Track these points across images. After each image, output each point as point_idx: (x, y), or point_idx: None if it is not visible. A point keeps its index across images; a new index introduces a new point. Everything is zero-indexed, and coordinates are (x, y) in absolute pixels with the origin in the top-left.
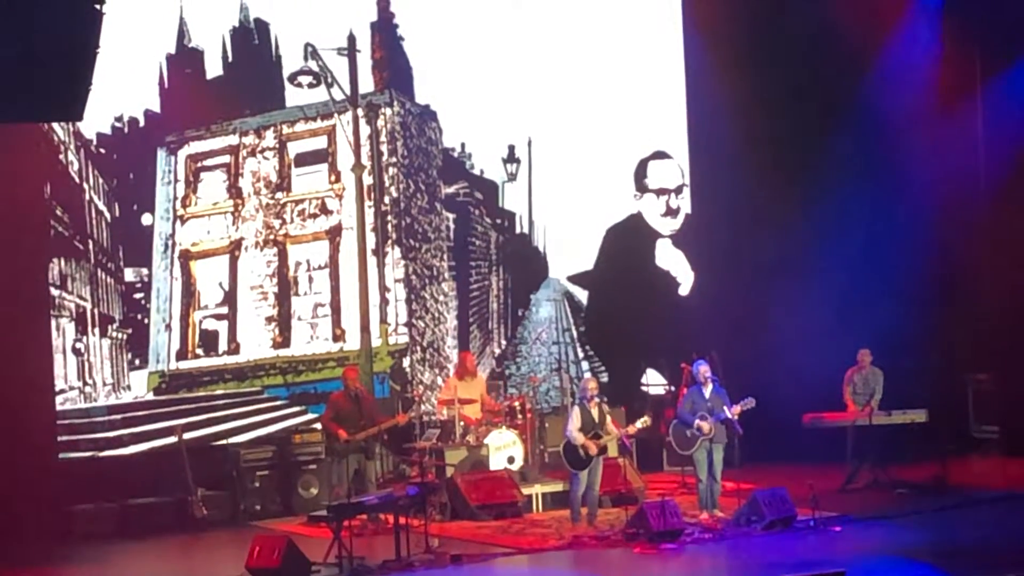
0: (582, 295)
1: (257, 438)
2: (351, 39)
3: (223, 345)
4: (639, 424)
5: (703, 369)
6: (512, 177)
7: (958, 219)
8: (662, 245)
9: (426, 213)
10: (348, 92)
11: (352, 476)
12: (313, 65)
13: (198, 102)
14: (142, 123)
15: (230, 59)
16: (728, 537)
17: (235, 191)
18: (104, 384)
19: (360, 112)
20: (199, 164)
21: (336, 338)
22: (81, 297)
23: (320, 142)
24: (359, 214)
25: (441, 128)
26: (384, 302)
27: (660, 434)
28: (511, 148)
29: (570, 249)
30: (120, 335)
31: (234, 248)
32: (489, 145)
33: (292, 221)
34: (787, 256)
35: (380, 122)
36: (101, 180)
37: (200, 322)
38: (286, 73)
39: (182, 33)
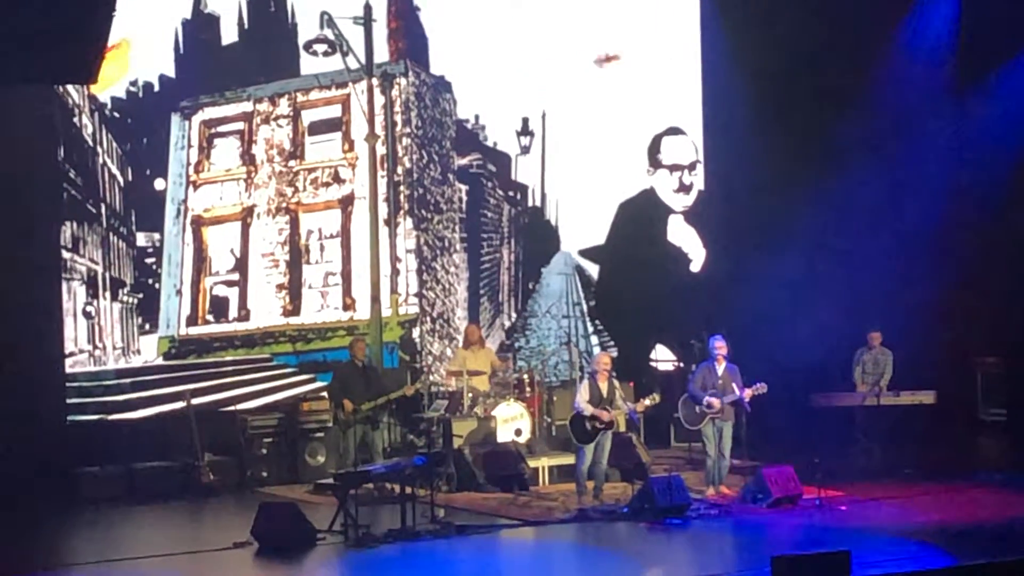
0: (593, 269)
1: (265, 405)
2: (367, 8)
3: (233, 312)
4: (647, 401)
5: (718, 344)
6: (525, 150)
7: (971, 201)
8: (674, 221)
9: (439, 184)
10: (363, 61)
11: (358, 446)
12: (329, 33)
13: (213, 68)
14: (157, 88)
15: (246, 26)
16: (734, 514)
17: (248, 158)
18: (114, 348)
19: (375, 82)
20: (213, 130)
21: (346, 307)
22: (92, 260)
23: (334, 111)
24: (372, 184)
25: (455, 99)
26: (395, 272)
27: (669, 412)
28: (525, 121)
29: (582, 223)
30: (131, 299)
31: (246, 215)
32: (503, 117)
33: (304, 189)
34: (799, 234)
35: (394, 92)
36: (115, 144)
37: (211, 288)
38: (301, 41)
39: None
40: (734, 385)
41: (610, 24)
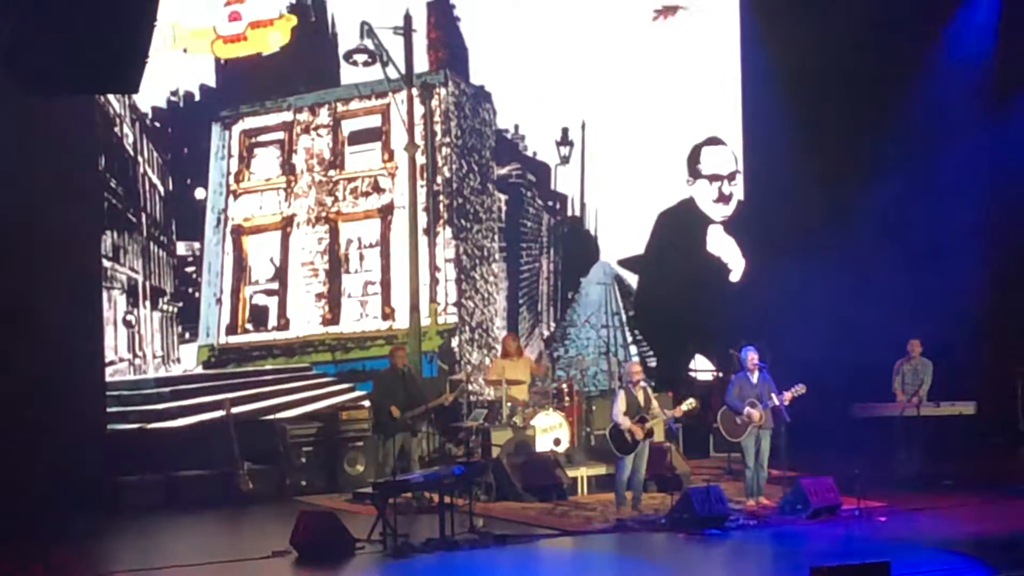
0: (632, 279)
1: (304, 414)
2: (407, 18)
3: (273, 320)
4: (685, 407)
5: (751, 355)
6: (565, 160)
7: (1012, 212)
8: (714, 231)
9: (478, 194)
10: (403, 71)
11: (398, 454)
12: (369, 43)
13: (253, 78)
14: (197, 97)
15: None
16: (773, 524)
17: (288, 167)
18: (154, 356)
19: (414, 91)
20: (253, 140)
21: (385, 316)
22: (133, 269)
23: (374, 120)
24: (411, 193)
25: (495, 109)
26: (434, 282)
27: (707, 421)
28: (564, 131)
29: (621, 233)
30: (171, 308)
31: (286, 224)
32: (542, 127)
33: (344, 199)
34: (839, 245)
35: (434, 102)
36: (155, 154)
37: (250, 297)
38: (342, 51)
39: None
40: (772, 394)
41: (650, 34)
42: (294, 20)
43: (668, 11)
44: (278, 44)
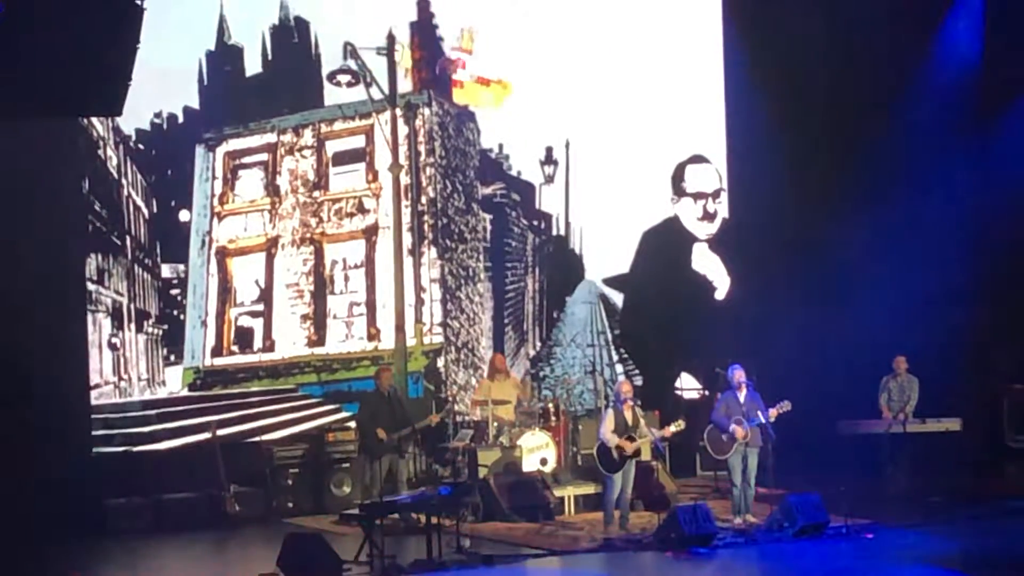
0: (617, 298)
1: (290, 436)
2: (390, 39)
3: (258, 342)
4: (673, 428)
5: (738, 374)
6: (549, 179)
7: (998, 228)
8: (699, 249)
9: (463, 214)
10: (387, 92)
11: (384, 476)
12: (352, 64)
13: (237, 99)
14: (181, 119)
15: (269, 57)
16: (760, 542)
17: (272, 189)
18: (139, 379)
19: (398, 112)
20: (237, 161)
21: (371, 337)
22: (118, 292)
23: (358, 141)
24: (396, 214)
25: (479, 129)
26: (419, 302)
27: (694, 440)
28: (549, 150)
29: (606, 252)
30: (156, 331)
31: (271, 246)
32: (527, 147)
33: (329, 220)
34: (823, 262)
35: (418, 122)
36: (139, 176)
37: (236, 319)
38: (325, 72)
39: (222, 30)
40: (758, 412)
41: (633, 53)
42: (510, 89)
43: None
44: (488, 104)
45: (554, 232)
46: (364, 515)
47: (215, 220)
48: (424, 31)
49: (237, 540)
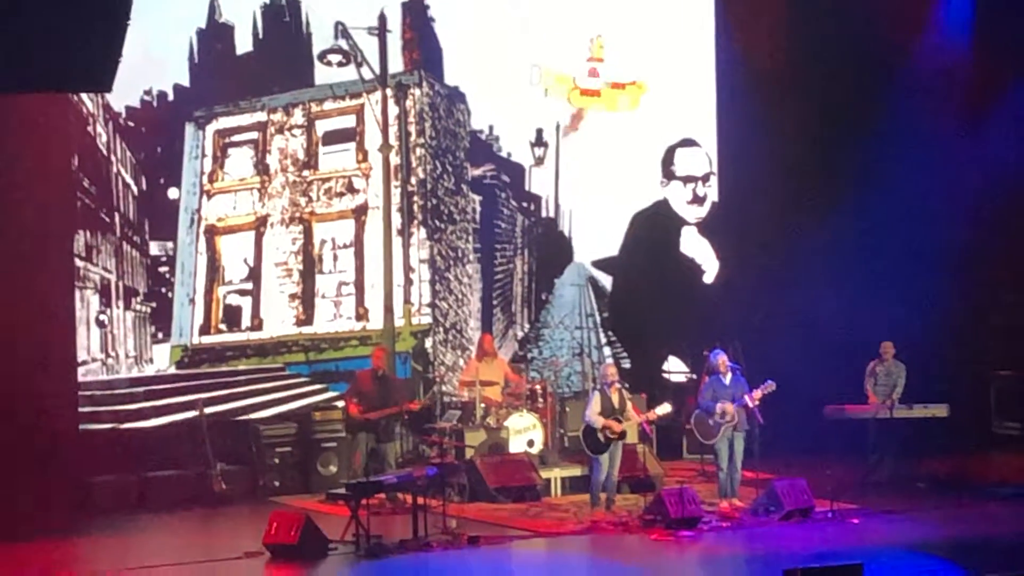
0: (606, 281)
1: (278, 415)
2: (382, 19)
3: (246, 321)
4: (659, 411)
5: (721, 359)
6: (539, 161)
7: (985, 214)
8: (688, 233)
9: (452, 195)
10: (377, 72)
11: (370, 455)
12: (343, 44)
13: (227, 78)
14: (171, 97)
15: (260, 35)
16: (746, 526)
17: (262, 167)
18: (127, 356)
19: (389, 92)
20: (227, 140)
21: (359, 317)
22: (106, 269)
23: (348, 121)
24: (385, 194)
25: (469, 110)
26: (408, 282)
27: (681, 423)
28: (539, 132)
29: (595, 234)
30: (144, 308)
31: (260, 224)
32: (517, 128)
33: (318, 199)
34: (812, 247)
35: (409, 103)
36: (129, 153)
37: (224, 297)
38: (316, 51)
39: (213, 8)
40: (745, 396)
41: (624, 36)
42: (645, 88)
43: None
44: (625, 108)
45: (543, 214)
46: (350, 494)
47: (204, 198)
48: (415, 11)
49: (223, 518)
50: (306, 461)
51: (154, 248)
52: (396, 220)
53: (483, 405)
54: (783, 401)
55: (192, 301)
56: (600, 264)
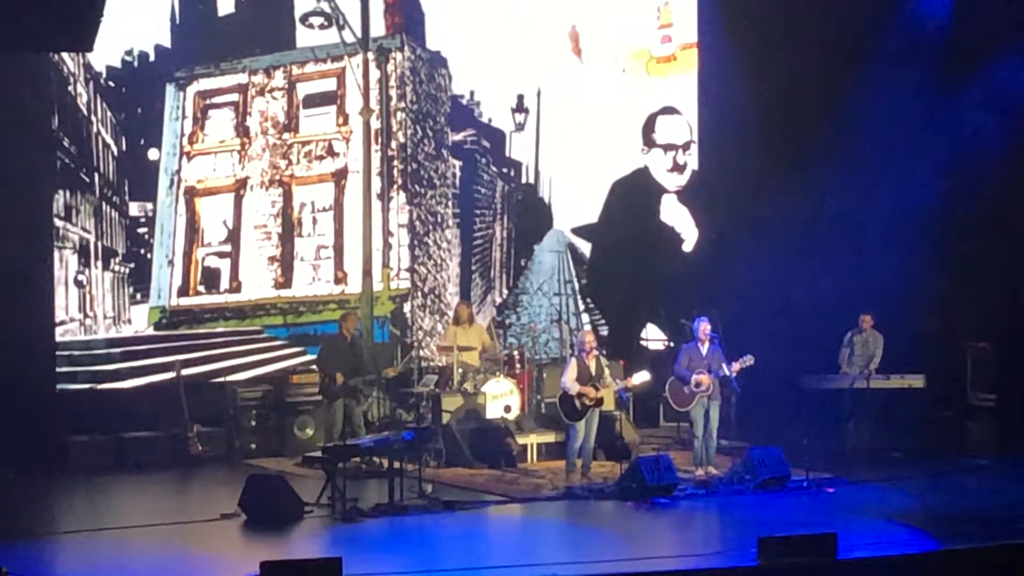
0: (585, 248)
1: (255, 377)
2: None
3: (225, 283)
4: (637, 380)
5: (703, 326)
6: (520, 127)
7: (963, 187)
8: (667, 201)
9: (432, 159)
10: (359, 35)
11: (346, 419)
12: (325, 6)
13: (209, 39)
14: (152, 58)
15: None
16: (721, 494)
17: (242, 130)
18: (105, 317)
19: (370, 56)
20: (207, 101)
21: (338, 281)
22: (85, 229)
23: (329, 84)
24: (365, 158)
25: (451, 75)
26: (387, 247)
27: (657, 391)
28: (520, 98)
29: (575, 201)
30: (122, 269)
31: (239, 187)
32: (498, 94)
33: (298, 162)
34: (792, 217)
35: (390, 67)
36: (109, 113)
37: (203, 259)
38: (298, 13)
39: None
40: (722, 365)
41: (606, 2)
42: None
43: None
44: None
45: (523, 180)
46: (327, 458)
47: (184, 159)
48: None
49: (199, 480)
50: (282, 424)
51: (133, 209)
52: (376, 184)
53: (460, 370)
54: (760, 370)
55: (171, 263)
56: (580, 231)
